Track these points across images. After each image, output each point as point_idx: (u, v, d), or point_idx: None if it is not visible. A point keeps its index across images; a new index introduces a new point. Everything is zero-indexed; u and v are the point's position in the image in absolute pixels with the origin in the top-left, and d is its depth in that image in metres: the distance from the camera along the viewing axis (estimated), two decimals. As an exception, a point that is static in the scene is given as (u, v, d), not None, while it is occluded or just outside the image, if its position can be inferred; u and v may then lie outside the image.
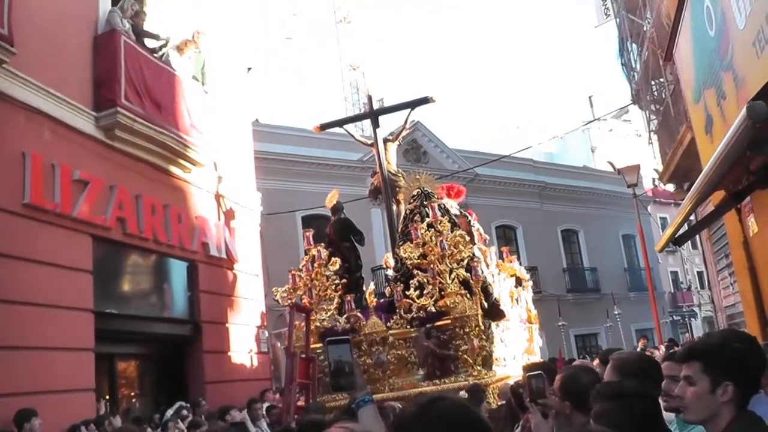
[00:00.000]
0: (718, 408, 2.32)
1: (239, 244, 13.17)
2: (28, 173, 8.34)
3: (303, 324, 9.75)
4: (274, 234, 18.07)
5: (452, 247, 9.90)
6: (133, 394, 11.27)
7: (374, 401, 2.73)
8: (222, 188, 12.86)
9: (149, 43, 11.35)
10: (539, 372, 3.49)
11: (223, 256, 12.54)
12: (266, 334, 13.68)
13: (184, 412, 9.27)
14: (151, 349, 11.62)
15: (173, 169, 11.43)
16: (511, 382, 7.25)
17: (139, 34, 11.06)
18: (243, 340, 12.71)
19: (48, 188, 8.65)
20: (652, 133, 15.93)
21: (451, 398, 1.81)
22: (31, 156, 8.42)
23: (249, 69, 15.80)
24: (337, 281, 10.46)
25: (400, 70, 71.10)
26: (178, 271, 11.74)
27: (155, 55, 11.22)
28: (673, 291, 39.25)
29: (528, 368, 4.08)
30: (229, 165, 13.20)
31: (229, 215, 13.02)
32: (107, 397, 10.07)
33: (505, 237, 28.18)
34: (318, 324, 9.95)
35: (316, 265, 10.48)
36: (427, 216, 10.28)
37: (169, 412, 9.32)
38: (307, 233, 11.12)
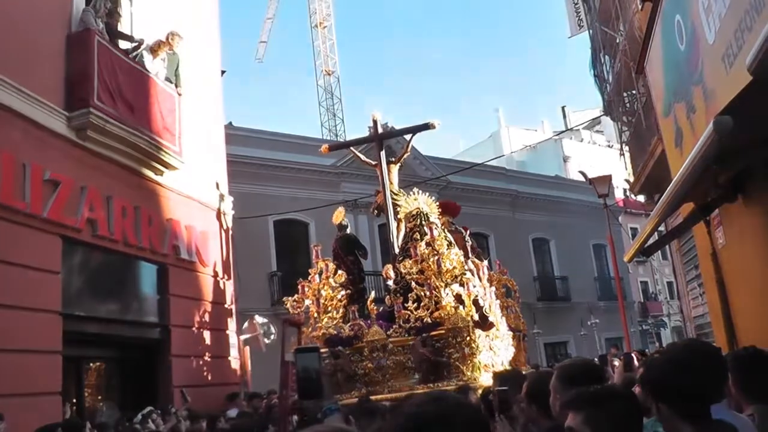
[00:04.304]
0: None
1: (210, 248, 13.11)
2: (-2, 172, 8.24)
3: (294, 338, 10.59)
4: (246, 238, 17.99)
5: (447, 265, 10.65)
6: (100, 397, 11.14)
7: (340, 410, 2.76)
8: (196, 192, 12.79)
9: (123, 44, 11.27)
10: (505, 388, 3.55)
11: (194, 259, 12.48)
12: (236, 338, 13.60)
13: (154, 415, 9.18)
14: (120, 352, 11.49)
15: (145, 170, 11.34)
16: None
17: (113, 34, 10.98)
18: (212, 345, 12.63)
19: (18, 188, 8.55)
20: (623, 144, 16.10)
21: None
22: (1, 155, 8.32)
23: (223, 72, 15.74)
24: (342, 292, 11.24)
25: (378, 75, 71.34)
26: (148, 273, 11.62)
27: (129, 56, 11.14)
28: (642, 301, 39.73)
29: (498, 375, 4.12)
30: (201, 167, 13.12)
31: (200, 218, 12.94)
32: (74, 400, 9.95)
33: (477, 245, 28.22)
34: (324, 331, 10.67)
35: (323, 277, 11.27)
36: (426, 235, 10.93)
37: (139, 417, 9.22)
38: (316, 247, 11.94)
